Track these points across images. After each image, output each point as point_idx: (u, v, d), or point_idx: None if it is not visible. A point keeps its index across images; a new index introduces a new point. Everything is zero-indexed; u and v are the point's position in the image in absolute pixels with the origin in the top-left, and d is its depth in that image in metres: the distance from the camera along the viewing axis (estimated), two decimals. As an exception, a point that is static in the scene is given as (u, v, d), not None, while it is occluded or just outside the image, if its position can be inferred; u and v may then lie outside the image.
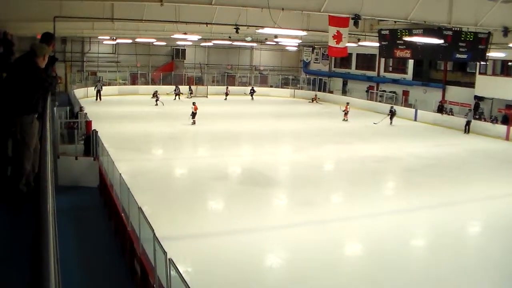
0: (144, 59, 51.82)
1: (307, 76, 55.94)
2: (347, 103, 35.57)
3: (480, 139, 31.25)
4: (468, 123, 33.58)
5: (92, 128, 19.00)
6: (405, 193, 19.19)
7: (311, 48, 52.23)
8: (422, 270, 12.24)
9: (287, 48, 53.51)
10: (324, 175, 21.97)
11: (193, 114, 30.21)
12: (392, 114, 35.55)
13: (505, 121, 33.26)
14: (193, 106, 30.64)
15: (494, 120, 34.12)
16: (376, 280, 11.24)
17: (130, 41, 43.87)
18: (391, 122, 35.13)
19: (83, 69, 48.67)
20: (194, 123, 29.96)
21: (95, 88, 41.72)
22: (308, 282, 10.81)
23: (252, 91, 49.56)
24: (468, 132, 33.40)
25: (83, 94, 40.85)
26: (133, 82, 49.19)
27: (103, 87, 42.73)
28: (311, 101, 48.95)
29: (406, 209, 16.68)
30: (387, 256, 12.65)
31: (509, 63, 34.44)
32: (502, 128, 32.50)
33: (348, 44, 20.30)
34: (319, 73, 54.94)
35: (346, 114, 35.08)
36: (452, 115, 37.03)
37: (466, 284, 11.29)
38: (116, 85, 47.56)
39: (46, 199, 2.47)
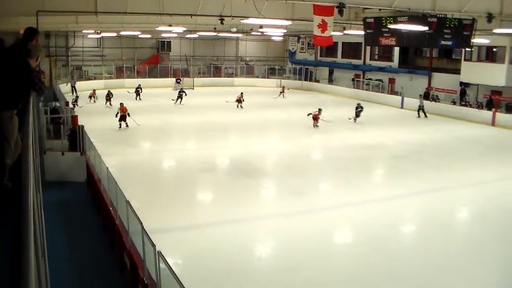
0: (129, 52, 51.55)
1: (293, 66, 55.93)
2: (319, 110, 29.93)
3: (466, 125, 31.43)
4: (420, 108, 34.26)
5: (78, 123, 18.89)
6: (393, 180, 19.28)
7: (297, 38, 52.11)
8: (411, 256, 12.32)
9: (272, 38, 53.44)
10: (312, 164, 22.03)
11: (121, 117, 26.53)
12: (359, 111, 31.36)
13: (490, 106, 33.46)
14: (120, 107, 27.09)
15: (479, 105, 34.33)
16: (367, 267, 11.30)
17: (114, 34, 43.55)
18: (355, 120, 31.04)
19: (68, 63, 48.32)
20: (120, 126, 26.52)
21: (67, 84, 41.20)
22: (299, 271, 10.85)
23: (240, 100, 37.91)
24: (426, 116, 33.98)
25: (69, 89, 40.50)
26: (119, 75, 48.89)
27: (77, 82, 42.16)
28: (277, 96, 42.79)
29: (395, 196, 16.76)
30: (377, 243, 12.71)
31: (494, 49, 34.60)
32: (487, 114, 32.70)
33: (333, 33, 20.30)
34: (305, 62, 54.96)
35: (316, 120, 29.45)
36: (439, 101, 37.22)
37: (455, 270, 11.37)
38: (101, 79, 47.28)
39: (27, 194, 2.44)
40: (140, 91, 37.64)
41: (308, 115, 28.86)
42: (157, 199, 15.44)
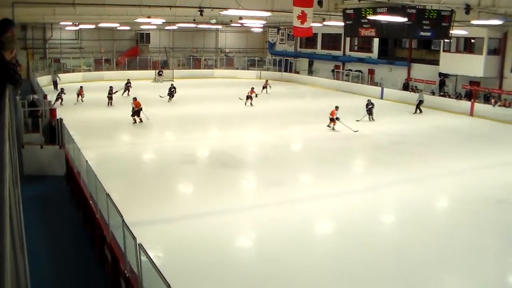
0: (108, 45, 51.10)
1: (273, 57, 55.89)
2: (336, 107, 30.81)
3: (445, 116, 31.70)
4: (419, 103, 32.91)
5: (57, 116, 18.71)
6: (373, 170, 19.40)
7: (276, 29, 52.10)
8: (391, 245, 12.46)
9: (252, 29, 53.35)
10: (292, 154, 22.07)
11: (135, 112, 26.05)
12: (371, 108, 29.03)
13: (469, 97, 33.78)
14: (133, 102, 26.41)
15: (458, 96, 34.64)
16: (347, 257, 11.39)
17: (93, 26, 43.13)
18: (370, 119, 28.69)
19: (46, 56, 47.76)
20: (135, 121, 25.98)
21: (53, 81, 40.46)
22: (280, 262, 10.89)
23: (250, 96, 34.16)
24: (421, 111, 32.67)
25: (47, 82, 40.08)
26: (98, 68, 48.43)
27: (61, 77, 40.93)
28: (259, 92, 36.63)
29: (375, 186, 16.86)
30: (357, 232, 12.79)
31: (472, 41, 34.90)
32: (466, 104, 33.01)
33: (313, 24, 20.32)
34: (285, 53, 54.94)
35: (334, 121, 27.37)
36: (418, 92, 37.44)
37: (435, 258, 11.48)
38: (80, 71, 46.83)
39: (3, 189, 2.40)
40: (130, 87, 36.43)
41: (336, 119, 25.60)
42: (138, 192, 15.38)
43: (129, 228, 7.95)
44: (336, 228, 13.53)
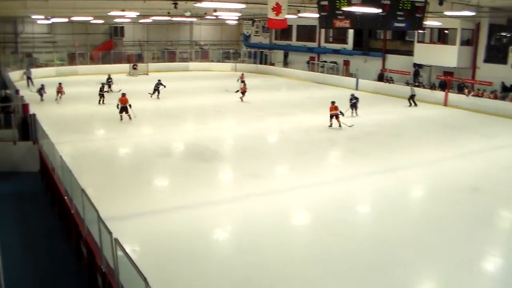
0: (81, 38, 50.49)
1: (248, 50, 55.85)
2: (332, 103, 30.66)
3: (420, 106, 31.92)
4: (412, 97, 32.22)
5: (30, 111, 18.46)
6: (349, 161, 19.52)
7: (251, 21, 51.97)
8: (368, 235, 12.54)
9: (227, 22, 53.16)
10: (269, 147, 22.09)
11: (122, 108, 24.90)
12: (355, 102, 27.66)
13: (442, 87, 34.11)
14: (120, 98, 25.24)
15: (432, 86, 34.96)
16: (325, 248, 11.44)
17: (66, 20, 42.53)
18: (354, 113, 27.44)
19: (18, 50, 47.01)
20: (121, 118, 24.91)
21: (24, 78, 39.63)
22: (258, 253, 10.90)
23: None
24: (415, 105, 31.99)
25: (19, 77, 39.48)
26: (72, 62, 47.83)
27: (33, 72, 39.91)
28: (238, 90, 33.92)
29: (351, 177, 16.99)
30: (334, 223, 12.87)
31: (446, 31, 35.22)
32: (440, 94, 33.35)
33: (287, 16, 20.34)
34: (260, 46, 54.93)
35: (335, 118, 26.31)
36: (393, 83, 37.77)
37: (411, 248, 11.61)
38: (53, 66, 46.20)
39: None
40: (111, 83, 35.57)
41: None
42: (114, 186, 15.25)
43: (104, 223, 7.88)
44: (314, 219, 13.56)
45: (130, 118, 24.94)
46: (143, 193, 14.77)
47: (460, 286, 9.95)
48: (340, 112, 24.37)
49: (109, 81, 34.77)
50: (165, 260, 10.45)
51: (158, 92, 32.54)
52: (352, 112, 27.30)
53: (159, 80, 32.92)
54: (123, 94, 25.51)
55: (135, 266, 6.46)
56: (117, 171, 17.36)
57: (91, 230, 9.32)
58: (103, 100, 29.81)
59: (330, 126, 24.30)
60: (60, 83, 31.28)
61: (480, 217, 13.75)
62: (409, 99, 32.13)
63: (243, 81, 35.38)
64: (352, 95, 27.99)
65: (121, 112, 24.87)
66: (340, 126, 24.01)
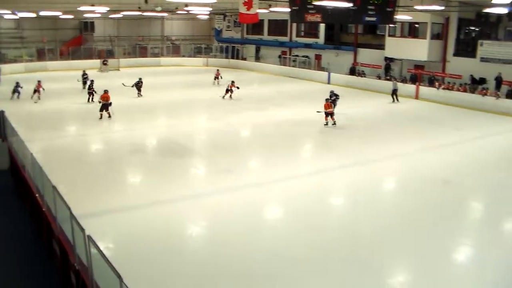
0: (50, 34, 49.71)
1: (220, 44, 55.66)
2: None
3: (391, 99, 32.17)
4: (394, 92, 31.66)
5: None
6: (321, 154, 19.60)
7: (223, 16, 51.88)
8: (340, 226, 12.70)
9: (198, 16, 52.93)
10: (241, 141, 22.08)
11: (103, 106, 24.03)
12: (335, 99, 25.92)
13: (413, 80, 34.46)
14: (102, 95, 24.32)
15: (403, 80, 35.29)
16: (299, 241, 11.49)
17: (34, 15, 41.85)
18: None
19: (-17, 46, 46.18)
20: (101, 117, 24.09)
21: None
22: (232, 249, 10.88)
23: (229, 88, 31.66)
24: (397, 100, 31.40)
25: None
26: (41, 58, 47.11)
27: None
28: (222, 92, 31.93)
29: (323, 170, 17.05)
30: (307, 216, 12.92)
31: (416, 25, 35.60)
32: (411, 88, 33.68)
33: (259, 10, 20.33)
34: (231, 40, 54.77)
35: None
36: (364, 76, 38.04)
37: (384, 239, 11.74)
38: (22, 62, 45.45)
39: None
40: (87, 79, 34.29)
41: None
42: (86, 183, 15.06)
43: (77, 220, 7.80)
44: (287, 213, 13.60)
45: (109, 116, 24.14)
46: (115, 189, 14.66)
47: (432, 276, 10.07)
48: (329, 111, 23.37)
49: (84, 78, 33.71)
50: (139, 257, 10.38)
51: (139, 91, 31.27)
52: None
53: (140, 79, 31.59)
54: (105, 91, 24.53)
55: (109, 263, 6.41)
56: (89, 168, 17.14)
57: (64, 227, 9.23)
58: (92, 98, 28.30)
59: (326, 124, 23.57)
60: (39, 81, 29.21)
61: (451, 208, 13.95)
62: (392, 95, 31.59)
63: (216, 77, 35.28)
64: (332, 91, 26.63)
65: (101, 110, 24.06)
66: (334, 123, 23.45)
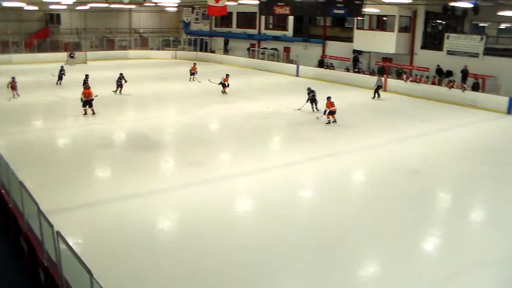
0: (15, 26, 48.74)
1: (188, 37, 55.33)
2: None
3: (360, 91, 32.49)
4: (378, 88, 30.82)
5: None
6: (290, 147, 19.66)
7: (191, 8, 51.53)
8: (310, 217, 12.88)
9: (166, 9, 52.53)
10: (210, 134, 22.04)
11: (86, 102, 23.17)
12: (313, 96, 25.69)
13: (381, 73, 34.77)
14: (83, 91, 23.44)
15: (371, 72, 35.59)
16: (268, 231, 11.62)
17: (-4, 6, 41.00)
18: (314, 108, 25.52)
19: None
20: (85, 113, 23.28)
21: None
22: (203, 242, 10.88)
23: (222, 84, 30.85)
24: (379, 96, 30.71)
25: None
26: (5, 51, 46.17)
27: None
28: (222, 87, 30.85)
29: (293, 162, 17.13)
30: (276, 209, 12.97)
31: (384, 18, 35.91)
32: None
33: (227, 3, 20.28)
34: (200, 33, 54.47)
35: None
36: (333, 69, 38.24)
37: (354, 230, 11.87)
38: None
39: None
40: (63, 75, 32.65)
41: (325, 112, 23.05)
42: (54, 178, 14.83)
43: (45, 216, 7.69)
44: (257, 205, 13.64)
45: (93, 113, 23.36)
46: (84, 184, 14.48)
47: (401, 265, 10.22)
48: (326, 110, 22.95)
49: (61, 73, 32.74)
50: (109, 252, 10.29)
51: (121, 87, 29.87)
52: (312, 107, 25.47)
53: (121, 74, 30.20)
54: (86, 87, 23.95)
55: (79, 259, 6.34)
56: (57, 163, 16.90)
57: (31, 224, 9.08)
58: (60, 82, 27.72)
59: (328, 123, 22.84)
60: (13, 78, 27.30)
61: (419, 198, 14.20)
62: (375, 91, 30.71)
63: (193, 73, 34.98)
64: (309, 88, 26.11)
65: (84, 106, 23.33)
66: (335, 121, 22.98)
